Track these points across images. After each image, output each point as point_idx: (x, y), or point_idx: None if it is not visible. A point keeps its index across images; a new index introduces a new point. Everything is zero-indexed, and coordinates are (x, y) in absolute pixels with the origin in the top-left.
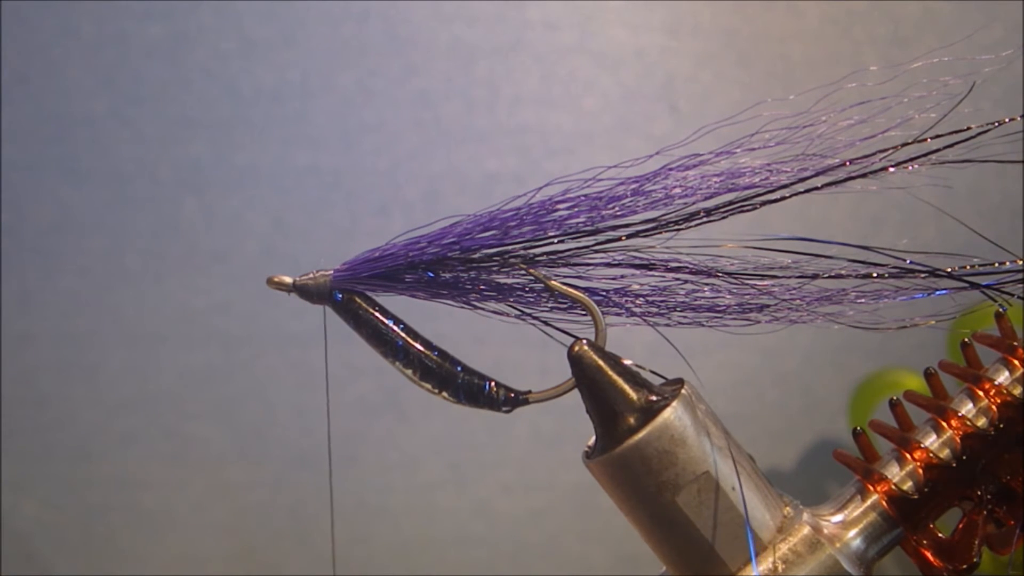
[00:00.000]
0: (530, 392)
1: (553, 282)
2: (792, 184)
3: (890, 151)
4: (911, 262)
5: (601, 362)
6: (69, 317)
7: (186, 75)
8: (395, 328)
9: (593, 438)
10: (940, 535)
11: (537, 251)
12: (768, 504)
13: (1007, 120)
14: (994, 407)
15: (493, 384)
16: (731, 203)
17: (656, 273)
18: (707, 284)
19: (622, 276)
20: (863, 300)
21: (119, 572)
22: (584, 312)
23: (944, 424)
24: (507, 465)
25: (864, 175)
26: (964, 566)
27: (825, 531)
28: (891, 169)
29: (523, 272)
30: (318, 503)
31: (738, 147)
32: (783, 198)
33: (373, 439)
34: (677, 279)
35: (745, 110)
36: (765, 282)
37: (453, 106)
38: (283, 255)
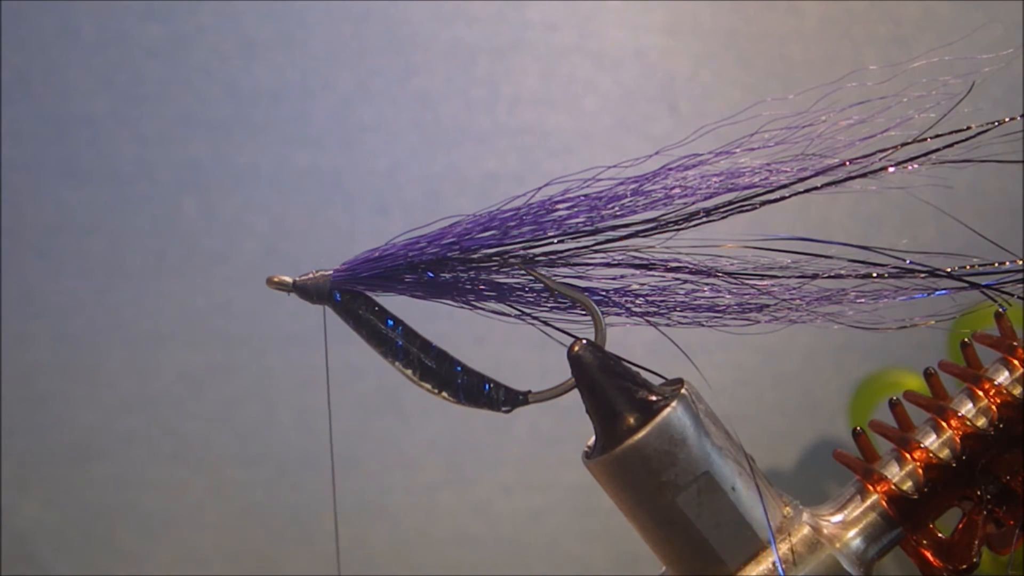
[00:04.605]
0: (530, 392)
1: (553, 282)
2: (792, 184)
3: (890, 151)
4: (911, 262)
5: (601, 362)
6: (69, 317)
7: (186, 75)
8: (395, 328)
9: (593, 438)
10: (940, 535)
11: (537, 251)
12: (768, 504)
13: (1007, 120)
14: (994, 407)
15: (493, 384)
16: (731, 203)
17: (656, 273)
18: (707, 284)
19: (622, 276)
20: (863, 300)
21: (119, 572)
22: (584, 312)
23: (944, 424)
24: (507, 465)
25: (864, 175)
26: (964, 566)
27: (825, 531)
28: (891, 169)
29: (523, 272)
30: (318, 503)
31: (738, 147)
32: (783, 198)
33: (373, 439)
34: (677, 279)
35: (745, 110)
36: (765, 282)
37: (453, 106)
38: (283, 255)
